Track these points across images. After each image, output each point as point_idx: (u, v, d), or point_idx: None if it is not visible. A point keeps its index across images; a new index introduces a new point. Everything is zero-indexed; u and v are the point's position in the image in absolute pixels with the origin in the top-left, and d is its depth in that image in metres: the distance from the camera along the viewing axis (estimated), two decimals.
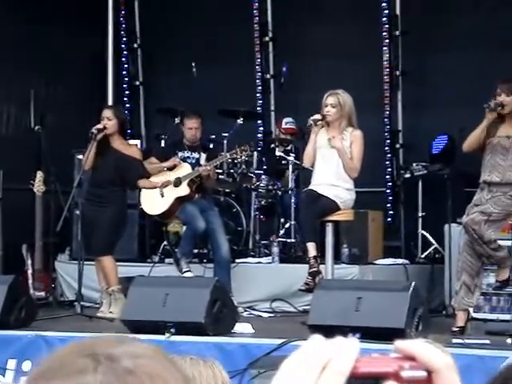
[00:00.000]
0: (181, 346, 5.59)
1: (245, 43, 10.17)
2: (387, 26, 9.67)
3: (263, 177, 8.80)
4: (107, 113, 7.54)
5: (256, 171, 8.86)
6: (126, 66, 10.78)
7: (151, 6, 10.68)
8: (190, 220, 8.14)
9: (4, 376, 5.99)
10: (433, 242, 8.68)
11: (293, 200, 8.51)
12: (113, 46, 10.11)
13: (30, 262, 8.30)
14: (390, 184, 9.67)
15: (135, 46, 10.82)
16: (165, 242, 8.86)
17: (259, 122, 10.21)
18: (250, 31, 10.20)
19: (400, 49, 9.69)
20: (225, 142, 8.81)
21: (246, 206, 8.83)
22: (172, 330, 5.94)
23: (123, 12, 10.68)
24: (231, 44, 10.01)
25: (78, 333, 5.93)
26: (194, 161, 8.37)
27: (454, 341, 5.79)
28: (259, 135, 10.18)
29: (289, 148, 9.08)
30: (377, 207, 8.99)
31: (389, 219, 9.44)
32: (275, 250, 8.34)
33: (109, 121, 7.47)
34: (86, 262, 7.59)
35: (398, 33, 9.66)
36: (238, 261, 8.32)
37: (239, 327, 6.32)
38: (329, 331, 5.13)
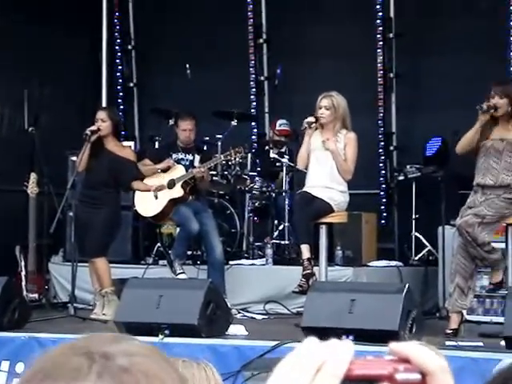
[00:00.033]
0: (174, 348, 5.59)
1: (239, 45, 10.17)
2: (381, 28, 9.69)
3: (257, 179, 8.80)
4: (101, 114, 7.53)
5: (250, 173, 8.86)
6: (120, 67, 10.77)
7: (145, 8, 10.68)
8: (183, 222, 8.13)
9: None
10: (426, 244, 8.69)
11: (287, 202, 8.51)
12: (107, 47, 10.10)
13: (23, 263, 8.28)
14: (383, 186, 9.68)
15: (129, 47, 10.81)
16: (158, 244, 8.85)
17: (253, 123, 10.22)
18: (244, 33, 10.21)
19: (394, 51, 9.70)
20: (219, 143, 8.81)
21: (239, 208, 8.83)
22: (166, 332, 5.94)
23: (117, 13, 10.68)
24: (225, 46, 10.01)
25: (72, 334, 5.91)
26: (187, 162, 8.37)
27: (448, 343, 5.79)
28: (253, 137, 10.19)
29: (283, 150, 9.09)
30: (371, 209, 9.00)
31: (382, 221, 9.45)
32: (269, 251, 8.34)
33: (103, 122, 7.46)
34: (79, 264, 7.58)
35: (391, 35, 9.67)
36: (231, 263, 8.31)
37: (233, 329, 6.32)
38: (322, 333, 5.14)
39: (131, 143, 9.25)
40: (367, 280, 7.90)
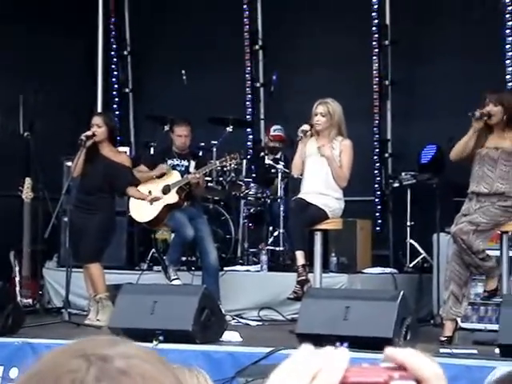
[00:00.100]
0: (168, 354, 5.58)
1: (235, 51, 10.18)
2: (377, 35, 9.71)
3: (252, 185, 8.80)
4: (97, 120, 7.53)
5: (245, 179, 8.86)
6: (115, 72, 10.78)
7: (141, 14, 10.69)
8: (178, 228, 8.13)
9: None
10: (421, 251, 8.69)
11: (282, 208, 8.51)
12: (102, 52, 10.10)
13: (17, 268, 8.27)
14: (378, 193, 9.69)
15: (125, 53, 10.82)
16: (153, 250, 8.85)
17: (249, 130, 10.23)
18: (240, 39, 10.22)
19: (389, 58, 9.72)
20: (214, 149, 8.81)
21: (234, 214, 8.83)
22: (160, 338, 5.93)
23: (113, 19, 10.69)
24: (221, 52, 10.02)
25: (66, 340, 5.90)
26: (183, 168, 8.37)
27: (442, 350, 5.79)
28: (249, 143, 10.19)
29: (278, 156, 9.10)
30: (365, 216, 9.00)
31: (377, 228, 9.45)
32: (264, 258, 8.33)
33: (98, 128, 7.46)
34: (73, 269, 7.57)
35: (387, 42, 9.69)
36: (226, 269, 8.31)
37: (227, 335, 6.31)
38: (317, 340, 5.15)
39: (126, 149, 9.25)
40: (362, 287, 7.90)
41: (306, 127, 7.09)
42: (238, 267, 8.50)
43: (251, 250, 8.70)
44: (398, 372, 0.90)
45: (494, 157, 6.42)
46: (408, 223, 8.88)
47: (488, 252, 6.42)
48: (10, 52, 9.52)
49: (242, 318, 7.86)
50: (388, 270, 8.48)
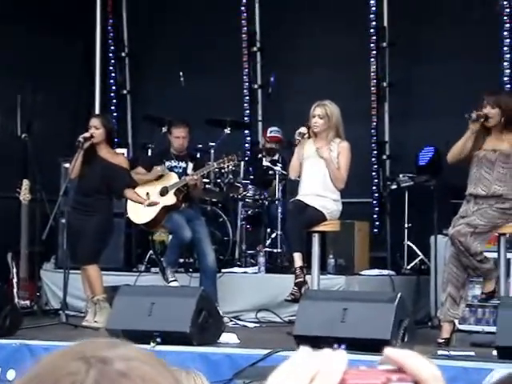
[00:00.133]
0: (166, 356, 5.58)
1: (233, 53, 10.18)
2: (375, 37, 9.71)
3: (250, 187, 8.80)
4: (95, 121, 7.53)
5: (243, 181, 8.86)
6: (113, 74, 10.77)
7: (139, 15, 10.69)
8: (176, 229, 8.13)
9: None
10: (419, 253, 8.69)
11: (279, 210, 8.51)
12: (100, 54, 10.10)
13: (15, 270, 8.26)
14: (376, 195, 9.69)
15: (123, 54, 10.82)
16: (151, 251, 8.84)
17: (246, 131, 10.22)
18: (237, 41, 10.22)
19: (387, 60, 9.72)
20: (212, 151, 8.81)
21: (232, 216, 8.82)
22: (157, 340, 5.93)
23: (111, 21, 10.69)
24: (219, 54, 10.02)
25: (63, 342, 5.90)
26: (180, 170, 8.36)
27: (440, 352, 5.79)
28: (246, 145, 10.19)
29: (276, 158, 9.10)
30: (363, 218, 9.00)
31: (375, 230, 9.45)
32: (261, 259, 8.33)
33: (96, 129, 7.46)
34: (71, 271, 7.57)
35: (385, 44, 9.69)
36: (224, 270, 8.31)
37: (225, 337, 6.31)
38: (314, 342, 5.15)
39: (124, 150, 9.25)
40: (359, 289, 7.89)
41: (303, 130, 7.09)
42: (235, 269, 8.49)
43: (249, 251, 8.70)
44: (396, 374, 0.90)
45: (492, 159, 6.42)
46: (406, 225, 8.88)
47: (486, 254, 6.42)
48: (8, 53, 9.51)
49: (239, 319, 7.86)
50: (386, 271, 8.48)
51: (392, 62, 9.70)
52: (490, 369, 5.28)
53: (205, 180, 8.59)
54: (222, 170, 8.64)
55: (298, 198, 7.16)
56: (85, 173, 7.45)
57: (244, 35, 10.26)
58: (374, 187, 9.70)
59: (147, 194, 8.20)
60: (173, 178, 8.27)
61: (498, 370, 5.16)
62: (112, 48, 10.74)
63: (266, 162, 9.00)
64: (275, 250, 8.57)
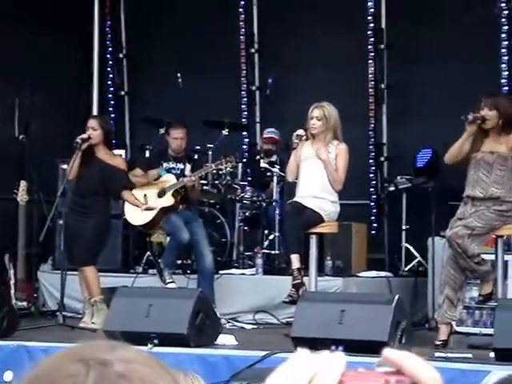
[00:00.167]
0: (163, 358, 5.57)
1: (231, 54, 10.18)
2: (373, 39, 9.72)
3: (248, 188, 8.80)
4: (92, 123, 7.52)
5: (241, 182, 8.86)
6: (111, 75, 10.77)
7: (137, 17, 10.69)
8: (174, 231, 8.12)
9: None
10: (416, 255, 8.70)
11: (277, 212, 8.51)
12: (98, 55, 10.10)
13: (12, 271, 8.25)
14: (374, 197, 9.69)
15: (121, 55, 10.81)
16: (148, 253, 8.84)
17: (244, 133, 10.22)
18: (235, 42, 10.22)
19: (385, 62, 9.73)
20: (210, 153, 8.81)
21: (230, 218, 8.82)
22: (155, 341, 5.93)
23: (109, 22, 10.68)
24: (217, 55, 10.02)
25: (60, 343, 5.90)
26: (178, 171, 8.36)
27: (437, 354, 5.79)
28: (244, 146, 10.19)
29: (273, 159, 9.10)
30: (361, 220, 9.00)
31: (373, 232, 9.46)
32: (259, 261, 8.33)
33: (94, 131, 7.45)
34: (68, 272, 7.56)
35: (383, 46, 9.70)
36: (221, 272, 8.30)
37: (222, 339, 6.31)
38: (312, 344, 5.14)
39: (122, 152, 9.25)
40: (357, 290, 7.90)
41: (300, 132, 7.09)
42: (233, 270, 8.49)
43: (246, 253, 8.70)
44: (394, 376, 0.90)
45: (490, 161, 6.42)
46: (403, 227, 8.88)
47: (483, 256, 6.42)
48: (5, 53, 9.50)
49: (237, 321, 7.85)
50: (383, 273, 8.48)
51: (390, 63, 9.71)
52: (487, 371, 5.29)
53: (203, 181, 8.59)
54: (220, 172, 8.64)
55: (295, 199, 7.16)
56: (82, 174, 7.45)
57: (242, 36, 10.26)
58: (372, 189, 9.71)
59: (145, 195, 8.20)
60: (171, 180, 8.26)
61: (496, 372, 5.16)
62: (110, 49, 10.74)
63: (263, 164, 9.00)
64: (273, 252, 8.57)
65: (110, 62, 10.75)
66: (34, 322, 7.60)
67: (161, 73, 10.29)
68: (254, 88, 10.33)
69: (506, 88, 9.00)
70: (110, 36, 10.72)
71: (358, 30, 9.73)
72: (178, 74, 9.65)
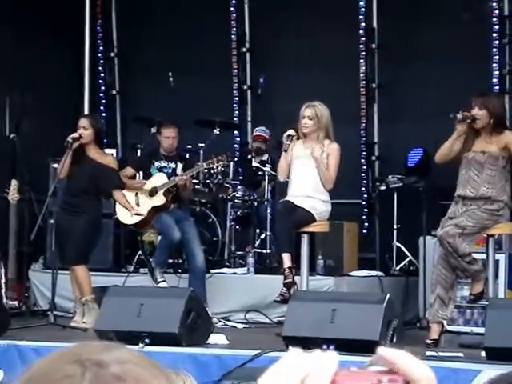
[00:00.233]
0: (154, 357, 5.56)
1: (222, 54, 10.18)
2: (364, 38, 9.72)
3: (239, 187, 8.80)
4: (83, 122, 7.51)
5: (232, 181, 8.86)
6: (102, 74, 10.76)
7: (128, 16, 10.67)
8: (165, 230, 8.12)
9: None
10: (407, 254, 8.71)
11: (269, 211, 8.51)
12: (90, 54, 10.08)
13: (3, 270, 8.22)
14: (365, 196, 9.70)
15: (112, 54, 10.80)
16: (140, 252, 8.83)
17: (236, 132, 10.22)
18: (227, 42, 10.22)
19: (376, 62, 9.74)
20: (201, 152, 8.80)
21: (221, 217, 8.82)
22: (146, 341, 5.92)
23: (100, 21, 10.67)
24: (209, 54, 10.01)
25: (51, 342, 5.89)
26: (170, 170, 8.36)
27: (428, 353, 5.80)
28: (236, 146, 10.19)
29: (265, 158, 9.10)
30: (352, 219, 9.01)
31: (364, 231, 9.46)
32: (250, 260, 8.33)
33: (85, 130, 7.44)
34: (59, 272, 7.54)
35: (374, 46, 9.71)
36: (213, 271, 8.30)
37: (214, 338, 6.31)
38: (303, 343, 5.15)
39: (113, 151, 9.23)
40: (348, 290, 7.90)
41: (291, 132, 7.09)
42: (224, 270, 8.49)
43: (238, 252, 8.70)
44: (386, 375, 0.90)
45: (481, 161, 6.43)
46: (394, 226, 8.89)
47: (474, 255, 6.43)
48: None
49: (228, 320, 7.85)
50: (374, 272, 8.49)
51: (381, 63, 9.71)
52: (478, 370, 5.30)
53: (194, 180, 8.58)
54: (212, 171, 8.64)
55: (287, 198, 7.16)
56: (73, 173, 7.44)
57: (233, 36, 10.25)
58: (363, 188, 9.72)
59: (136, 194, 8.20)
60: (162, 179, 8.26)
61: (487, 371, 5.17)
62: (101, 48, 10.72)
63: (255, 163, 9.00)
64: (264, 251, 8.57)
65: (102, 61, 10.73)
66: (25, 321, 7.59)
67: (152, 72, 10.28)
68: (245, 87, 10.32)
69: (497, 87, 9.02)
70: (101, 35, 10.70)
71: (350, 29, 9.73)
72: (170, 73, 9.64)
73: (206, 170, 8.57)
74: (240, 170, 9.12)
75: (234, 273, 8.43)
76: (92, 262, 7.57)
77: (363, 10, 9.74)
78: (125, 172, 8.20)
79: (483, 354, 5.69)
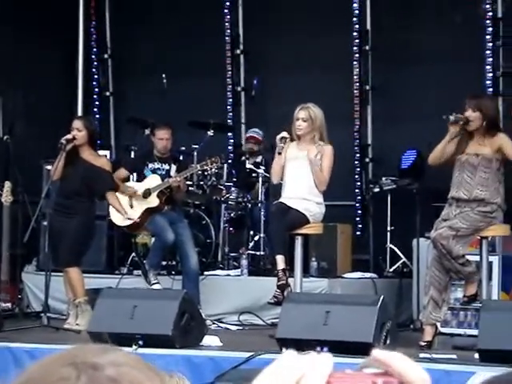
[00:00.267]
0: (148, 359, 5.56)
1: (216, 55, 10.18)
2: (358, 40, 9.73)
3: (233, 189, 8.80)
4: (77, 123, 7.50)
5: (226, 183, 8.86)
6: (96, 76, 10.75)
7: (122, 17, 10.66)
8: (159, 232, 8.11)
9: None
10: (401, 256, 8.71)
11: (262, 213, 8.51)
12: (83, 56, 10.07)
13: None
14: (359, 198, 9.70)
15: (106, 56, 10.79)
16: (133, 254, 8.82)
17: (230, 134, 10.22)
18: (221, 43, 10.22)
19: (370, 63, 9.74)
20: (195, 153, 8.80)
21: (215, 219, 8.82)
22: (139, 343, 5.91)
23: (94, 22, 10.66)
24: (202, 56, 10.01)
25: (45, 344, 5.88)
26: (164, 172, 8.35)
27: (422, 355, 5.80)
28: (229, 147, 10.19)
29: (259, 160, 9.10)
30: (346, 221, 9.01)
31: (358, 233, 9.47)
32: (244, 262, 8.33)
33: (78, 132, 7.43)
34: (53, 273, 7.53)
35: (368, 48, 9.72)
36: (206, 273, 8.30)
37: (207, 340, 6.30)
38: (297, 345, 5.14)
39: (107, 152, 9.23)
40: (342, 291, 7.91)
41: (284, 134, 7.09)
42: (218, 272, 8.49)
43: (232, 254, 8.69)
44: (381, 378, 0.90)
45: (474, 163, 6.44)
46: (388, 228, 8.89)
47: (468, 257, 6.44)
48: None
49: (222, 322, 7.85)
50: (368, 274, 8.49)
51: (375, 65, 9.72)
52: (471, 372, 5.30)
53: (188, 182, 8.58)
54: (205, 173, 8.63)
55: (281, 200, 7.16)
56: (67, 175, 7.43)
57: (227, 37, 10.25)
58: (357, 190, 9.72)
59: (130, 196, 8.19)
60: (156, 180, 8.25)
61: (480, 373, 5.18)
62: (94, 50, 10.71)
63: (249, 165, 9.00)
64: (258, 253, 8.57)
65: (95, 63, 10.72)
66: (18, 323, 7.57)
67: (146, 73, 10.28)
68: (239, 89, 10.32)
69: (491, 89, 9.03)
70: (94, 36, 10.69)
71: (343, 31, 9.74)
72: (163, 75, 9.64)
73: (199, 172, 8.56)
74: (234, 171, 9.12)
75: (228, 275, 8.43)
76: (85, 263, 7.56)
77: (357, 11, 9.74)
78: (118, 174, 8.19)
79: (476, 355, 5.70)
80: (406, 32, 9.48)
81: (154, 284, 7.95)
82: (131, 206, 8.14)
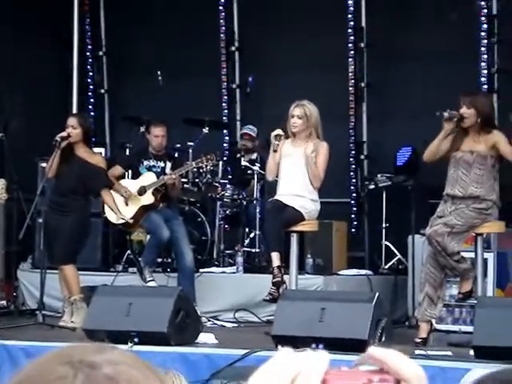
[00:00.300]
0: (143, 356, 5.56)
1: (211, 52, 10.17)
2: (353, 38, 9.73)
3: (228, 186, 8.79)
4: (72, 121, 7.50)
5: (221, 181, 8.85)
6: (91, 73, 10.73)
7: (117, 14, 10.65)
8: (154, 229, 8.11)
9: None
10: (396, 253, 8.72)
11: (258, 210, 8.51)
12: (78, 53, 10.05)
13: None
14: (354, 195, 9.71)
15: (100, 53, 10.78)
16: (128, 251, 8.81)
17: (225, 131, 10.22)
18: (216, 41, 10.21)
19: (365, 61, 9.74)
20: (190, 151, 8.80)
21: (210, 216, 8.81)
22: (135, 340, 5.91)
23: (88, 20, 10.64)
24: (197, 53, 10.00)
25: (40, 342, 5.87)
26: (159, 169, 8.35)
27: (417, 352, 5.81)
28: (225, 145, 10.19)
29: (254, 157, 9.10)
30: (341, 218, 9.02)
31: (353, 230, 9.47)
32: (239, 259, 8.33)
33: (73, 129, 7.43)
34: (48, 271, 7.53)
35: (363, 45, 9.72)
36: (202, 270, 8.29)
37: (203, 337, 6.30)
38: (292, 342, 5.15)
39: (102, 150, 9.21)
40: (337, 288, 7.91)
41: (279, 132, 7.09)
42: (213, 269, 8.48)
43: (227, 251, 8.69)
44: (377, 375, 0.90)
45: (469, 160, 6.45)
46: (383, 225, 8.90)
47: (463, 254, 6.45)
48: None
49: (217, 319, 7.85)
50: (363, 271, 8.50)
51: (370, 62, 9.72)
52: (466, 368, 5.31)
53: (183, 179, 8.57)
54: (201, 170, 8.63)
55: (276, 197, 7.17)
56: (62, 172, 7.42)
57: (222, 35, 10.25)
58: (352, 187, 9.72)
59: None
60: (151, 178, 8.25)
61: (475, 369, 5.19)
62: (89, 47, 10.70)
63: (244, 162, 9.00)
64: (253, 250, 8.57)
65: (90, 60, 10.71)
66: (13, 320, 7.57)
67: (141, 71, 10.27)
68: (234, 86, 10.32)
69: (486, 86, 9.04)
70: (89, 34, 10.68)
71: (339, 28, 9.73)
72: (158, 72, 9.63)
73: (195, 169, 8.56)
74: (229, 168, 9.12)
75: (223, 272, 8.43)
76: (80, 261, 7.56)
77: (352, 9, 9.74)
78: (113, 171, 8.18)
79: (472, 352, 5.71)
80: (401, 29, 9.48)
81: (149, 281, 7.95)
82: (126, 204, 8.13)
